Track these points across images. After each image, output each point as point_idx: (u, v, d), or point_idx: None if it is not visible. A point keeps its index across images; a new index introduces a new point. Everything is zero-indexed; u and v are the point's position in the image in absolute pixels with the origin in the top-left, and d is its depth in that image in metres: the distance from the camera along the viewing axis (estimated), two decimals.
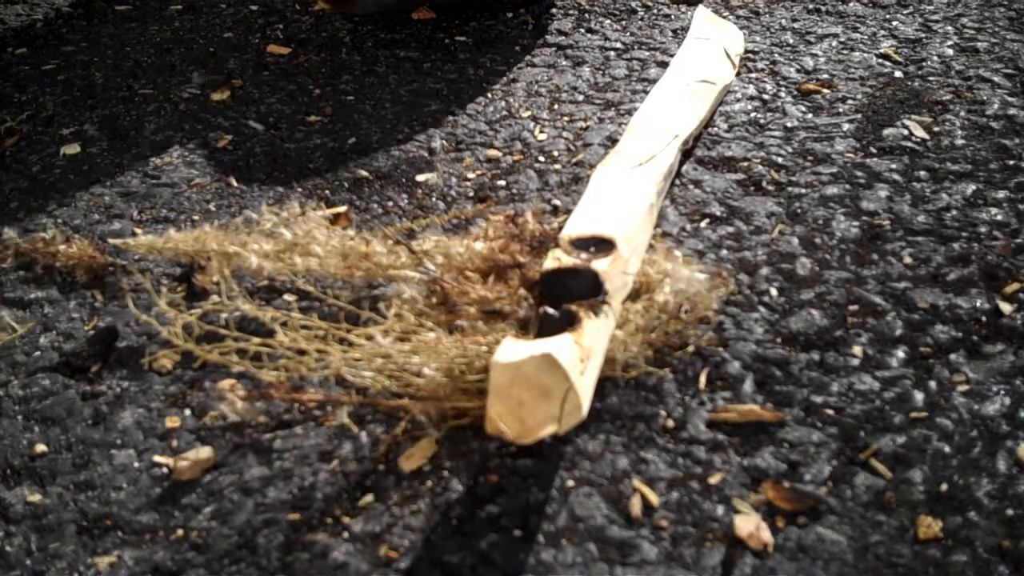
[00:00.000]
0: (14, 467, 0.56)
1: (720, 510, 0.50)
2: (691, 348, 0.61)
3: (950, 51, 0.97)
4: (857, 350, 0.60)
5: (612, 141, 0.85)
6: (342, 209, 0.78)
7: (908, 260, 0.68)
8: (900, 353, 0.60)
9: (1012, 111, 0.85)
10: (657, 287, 0.61)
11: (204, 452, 0.56)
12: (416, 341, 0.55)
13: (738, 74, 0.95)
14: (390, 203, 0.79)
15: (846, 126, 0.85)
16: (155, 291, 0.68)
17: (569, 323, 0.52)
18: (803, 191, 0.76)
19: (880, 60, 0.97)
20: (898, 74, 0.94)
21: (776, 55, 0.99)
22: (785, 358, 0.60)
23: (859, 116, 0.86)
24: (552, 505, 0.51)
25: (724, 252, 0.70)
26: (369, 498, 0.52)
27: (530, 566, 0.48)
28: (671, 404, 0.57)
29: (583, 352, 0.50)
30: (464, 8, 1.14)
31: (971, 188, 0.75)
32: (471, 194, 0.79)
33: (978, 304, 0.63)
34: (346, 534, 0.50)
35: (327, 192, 0.81)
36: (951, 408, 0.56)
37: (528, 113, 0.91)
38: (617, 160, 0.72)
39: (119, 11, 1.25)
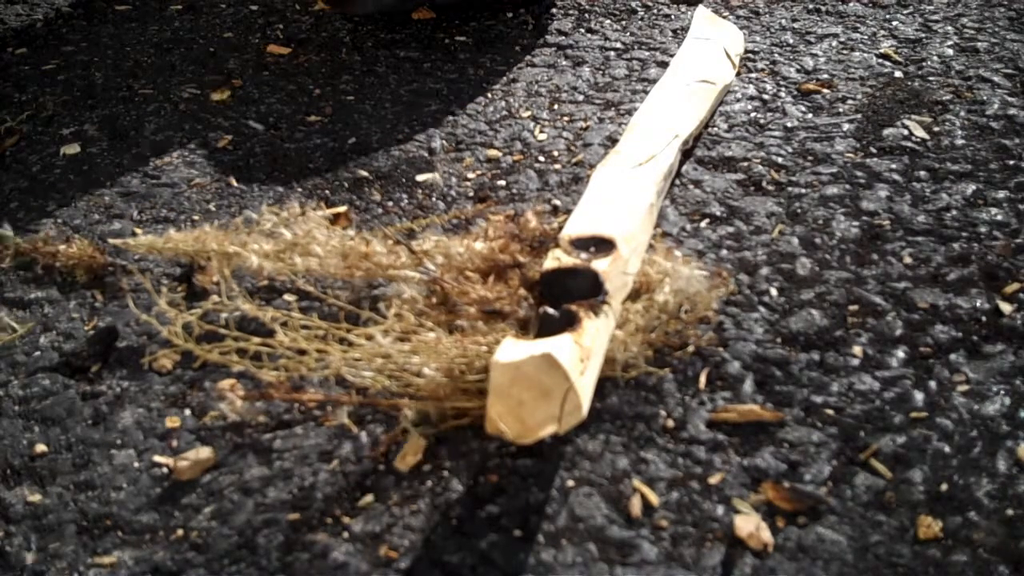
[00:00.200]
0: (14, 467, 0.56)
1: (720, 510, 0.50)
2: (691, 348, 0.61)
3: (950, 51, 0.97)
4: (857, 350, 0.60)
5: (612, 141, 0.85)
6: (342, 209, 0.78)
7: (908, 260, 0.68)
8: (900, 353, 0.60)
9: (1012, 111, 0.85)
10: (657, 287, 0.61)
11: (204, 452, 0.56)
12: (416, 341, 0.55)
13: (738, 74, 0.95)
14: (390, 203, 0.79)
15: (846, 126, 0.85)
16: (155, 291, 0.68)
17: (569, 323, 0.52)
18: (803, 191, 0.76)
19: (880, 60, 0.97)
20: (898, 74, 0.94)
21: (776, 55, 0.99)
22: (785, 358, 0.60)
23: (859, 116, 0.86)
24: (552, 505, 0.51)
25: (724, 252, 0.70)
26: (369, 498, 0.52)
27: (530, 566, 0.48)
28: (671, 404, 0.57)
29: (583, 352, 0.50)
30: (464, 8, 1.14)
31: (971, 188, 0.75)
32: (471, 194, 0.79)
33: (978, 304, 0.63)
34: (346, 534, 0.50)
35: (327, 192, 0.81)
36: (951, 408, 0.56)
37: (528, 113, 0.91)
38: (617, 160, 0.72)
39: (119, 11, 1.25)
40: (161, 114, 0.97)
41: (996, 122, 0.84)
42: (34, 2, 1.29)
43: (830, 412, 0.56)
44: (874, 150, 0.81)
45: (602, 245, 0.59)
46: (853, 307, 0.64)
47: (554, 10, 1.14)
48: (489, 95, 0.96)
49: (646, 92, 0.92)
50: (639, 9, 1.13)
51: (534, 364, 0.47)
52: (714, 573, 0.47)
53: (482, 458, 0.54)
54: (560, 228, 0.63)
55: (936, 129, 0.83)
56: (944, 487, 0.51)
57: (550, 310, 0.53)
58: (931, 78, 0.92)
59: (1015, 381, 0.57)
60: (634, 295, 0.61)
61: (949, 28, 1.03)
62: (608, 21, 1.11)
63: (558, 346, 0.48)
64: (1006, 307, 0.63)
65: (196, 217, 0.79)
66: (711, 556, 0.48)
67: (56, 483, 0.55)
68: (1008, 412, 0.55)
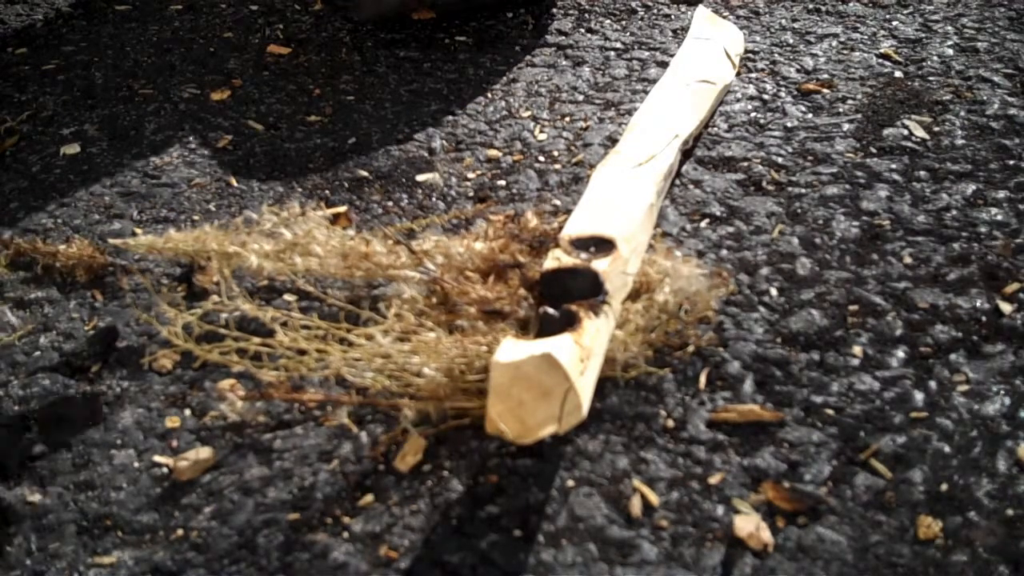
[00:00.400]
0: (14, 467, 0.56)
1: (720, 510, 0.50)
2: (691, 348, 0.61)
3: (950, 51, 0.97)
4: (857, 350, 0.60)
5: (612, 141, 0.85)
6: (342, 209, 0.78)
7: (908, 260, 0.68)
8: (900, 353, 0.60)
9: (1012, 111, 0.85)
10: (657, 287, 0.61)
11: (204, 452, 0.56)
12: (416, 341, 0.55)
13: (738, 74, 0.95)
14: (390, 203, 0.79)
15: (846, 126, 0.85)
16: (155, 291, 0.68)
17: (569, 323, 0.52)
18: (803, 191, 0.76)
19: (880, 60, 0.97)
20: (898, 74, 0.94)
21: (776, 55, 0.99)
22: (785, 358, 0.60)
23: (859, 116, 0.86)
24: (552, 505, 0.51)
25: (724, 252, 0.70)
26: (369, 498, 0.52)
27: (530, 566, 0.48)
28: (671, 404, 0.57)
29: (583, 352, 0.50)
30: (464, 11, 1.14)
31: (971, 188, 0.75)
32: (471, 194, 0.79)
33: (978, 304, 0.63)
34: (346, 534, 0.50)
35: (327, 192, 0.81)
36: (951, 408, 0.56)
37: (528, 113, 0.91)
38: (617, 160, 0.72)
39: (119, 11, 1.25)
40: (161, 114, 0.97)
41: (996, 122, 0.84)
42: (34, 2, 1.29)
43: (830, 412, 0.56)
44: (874, 150, 0.81)
45: (602, 245, 0.59)
46: (853, 307, 0.64)
47: (554, 10, 1.14)
48: (489, 95, 0.96)
49: (646, 92, 0.92)
50: (639, 9, 1.13)
51: (534, 364, 0.47)
52: (714, 573, 0.47)
53: (482, 458, 0.54)
54: (560, 228, 0.63)
55: (936, 129, 0.83)
56: (944, 487, 0.51)
57: (550, 310, 0.53)
58: (931, 78, 0.92)
59: (1015, 381, 0.57)
60: (634, 295, 0.61)
61: (949, 28, 1.03)
62: (608, 21, 1.11)
63: (558, 346, 0.48)
64: (1006, 307, 0.63)
65: (196, 217, 0.79)
66: (711, 556, 0.48)
67: (56, 483, 0.55)
68: (1008, 412, 0.55)
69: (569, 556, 0.48)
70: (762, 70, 0.96)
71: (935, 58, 0.96)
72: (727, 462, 0.53)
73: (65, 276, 0.72)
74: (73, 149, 0.91)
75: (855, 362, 0.59)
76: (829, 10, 1.10)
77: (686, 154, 0.81)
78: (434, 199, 0.79)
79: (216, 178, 0.85)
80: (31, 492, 0.54)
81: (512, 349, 0.48)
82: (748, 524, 0.49)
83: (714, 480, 0.52)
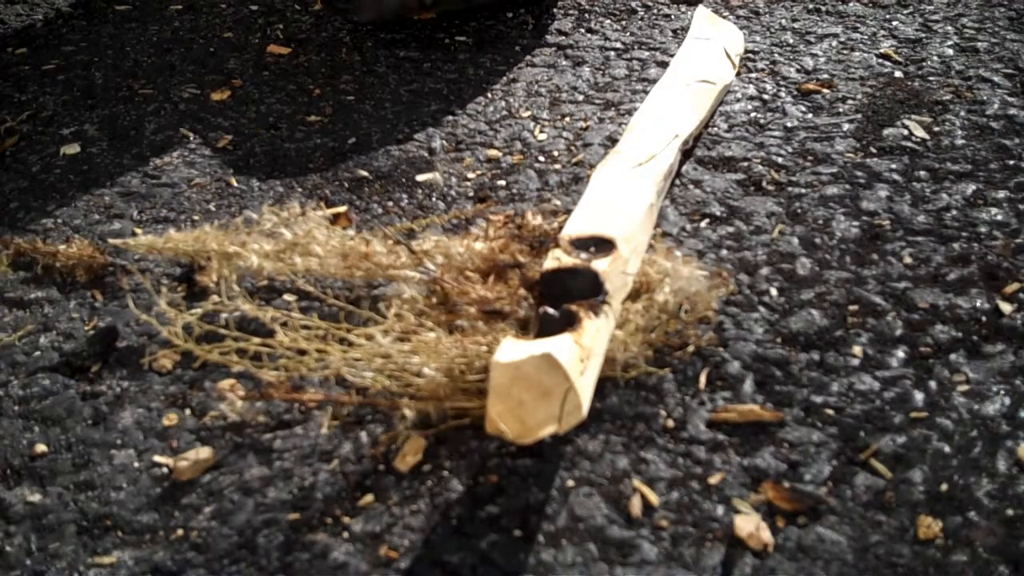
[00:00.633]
0: (14, 467, 0.56)
1: (720, 510, 0.50)
2: (691, 348, 0.61)
3: (950, 51, 0.97)
4: (857, 350, 0.60)
5: (612, 141, 0.85)
6: (342, 209, 0.78)
7: (908, 260, 0.68)
8: (900, 353, 0.60)
9: (1012, 111, 0.85)
10: (657, 287, 0.61)
11: (204, 452, 0.56)
12: (416, 341, 0.55)
13: (738, 74, 0.95)
14: (390, 203, 0.79)
15: (846, 126, 0.85)
16: (155, 291, 0.68)
17: (569, 323, 0.52)
18: (803, 191, 0.76)
19: (880, 60, 0.97)
20: (898, 74, 0.94)
21: (776, 55, 0.99)
22: (785, 358, 0.60)
23: (859, 116, 0.86)
24: (552, 505, 0.51)
25: (724, 252, 0.70)
26: (369, 498, 0.52)
27: (530, 566, 0.48)
28: (671, 404, 0.57)
29: (583, 352, 0.50)
30: (464, 11, 1.14)
31: (971, 188, 0.75)
32: (471, 194, 0.79)
33: (978, 304, 0.63)
34: (346, 534, 0.50)
35: (327, 192, 0.81)
36: (951, 408, 0.56)
37: (528, 113, 0.91)
38: (617, 160, 0.72)
39: (119, 11, 1.25)
40: (161, 114, 0.97)
41: (996, 122, 0.84)
42: (34, 2, 1.29)
43: (830, 412, 0.56)
44: (874, 150, 0.81)
45: (602, 245, 0.59)
46: (853, 307, 0.64)
47: (554, 10, 1.14)
48: (489, 95, 0.96)
49: (646, 92, 0.92)
50: (639, 9, 1.13)
51: (534, 364, 0.47)
52: (714, 573, 0.47)
53: (482, 458, 0.54)
54: (560, 228, 0.63)
55: (936, 129, 0.83)
56: (944, 487, 0.51)
57: (550, 310, 0.53)
58: (931, 78, 0.92)
59: (1015, 381, 0.57)
60: (634, 295, 0.61)
61: (949, 28, 1.03)
62: (608, 21, 1.11)
63: (558, 346, 0.48)
64: (1006, 307, 0.63)
65: (196, 217, 0.79)
66: (711, 556, 0.48)
67: (56, 483, 0.55)
68: (1008, 412, 0.55)
69: (569, 556, 0.48)
70: (762, 70, 0.96)
71: (935, 58, 0.96)
72: (727, 462, 0.53)
73: (65, 276, 0.72)
74: (73, 149, 0.91)
75: (855, 362, 0.59)
76: (829, 10, 1.10)
77: (686, 154, 0.81)
78: (434, 199, 0.79)
79: (216, 178, 0.85)
80: (31, 492, 0.54)
81: (512, 349, 0.48)
82: (748, 524, 0.49)
83: (714, 480, 0.52)
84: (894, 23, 1.05)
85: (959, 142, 0.81)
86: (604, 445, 0.55)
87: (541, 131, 0.88)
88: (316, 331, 0.58)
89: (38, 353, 0.65)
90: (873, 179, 0.77)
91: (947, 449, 0.53)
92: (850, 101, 0.89)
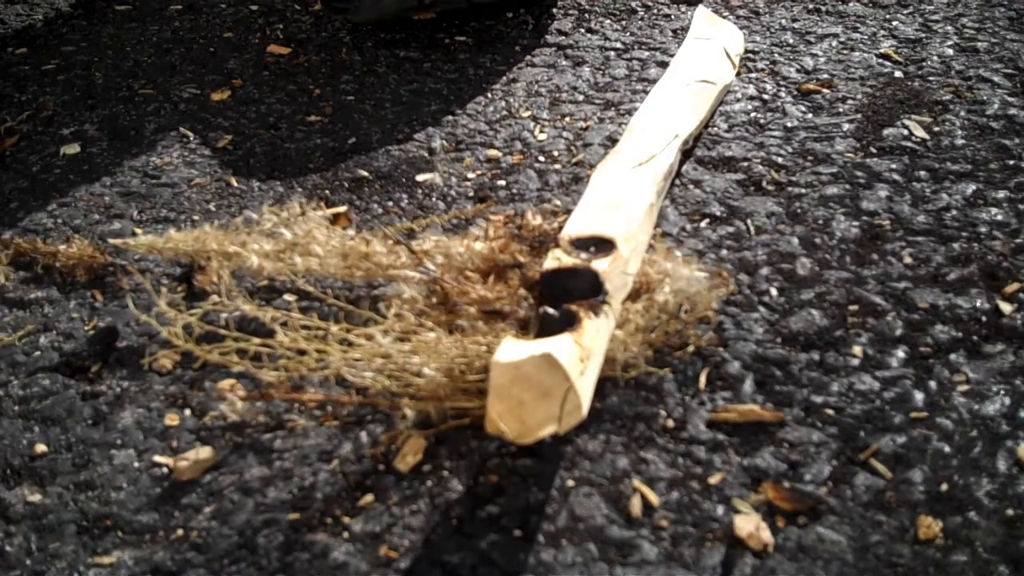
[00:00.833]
0: (14, 467, 0.56)
1: (720, 510, 0.50)
2: (691, 348, 0.61)
3: (950, 51, 0.97)
4: (857, 350, 0.60)
5: (612, 141, 0.85)
6: (342, 209, 0.78)
7: (908, 260, 0.68)
8: (900, 353, 0.60)
9: (1012, 111, 0.85)
10: (657, 287, 0.61)
11: (204, 452, 0.56)
12: (416, 341, 0.55)
13: (738, 74, 0.95)
14: (390, 203, 0.79)
15: (846, 126, 0.85)
16: (155, 291, 0.68)
17: (569, 323, 0.52)
18: (803, 191, 0.76)
19: (880, 60, 0.97)
20: (898, 74, 0.94)
21: (776, 55, 0.99)
22: (785, 358, 0.60)
23: (859, 116, 0.86)
24: (552, 505, 0.51)
25: (724, 252, 0.70)
26: (369, 498, 0.52)
27: (530, 566, 0.48)
28: (671, 404, 0.57)
29: (583, 352, 0.50)
30: (464, 11, 1.14)
31: (971, 188, 0.75)
32: (471, 194, 0.79)
33: (978, 304, 0.63)
34: (346, 534, 0.50)
35: (327, 192, 0.81)
36: (951, 408, 0.56)
37: (528, 113, 0.91)
38: (617, 160, 0.72)
39: (119, 11, 1.25)
40: (161, 114, 0.97)
41: (996, 122, 0.84)
42: (34, 2, 1.29)
43: (830, 412, 0.56)
44: (874, 150, 0.81)
45: (602, 245, 0.59)
46: (853, 307, 0.64)
47: (554, 10, 1.14)
48: (489, 95, 0.96)
49: (646, 92, 0.92)
50: (639, 9, 1.13)
51: (534, 364, 0.47)
52: (714, 573, 0.47)
53: (482, 458, 0.54)
54: (560, 228, 0.63)
55: (936, 129, 0.83)
56: (944, 487, 0.51)
57: (550, 310, 0.53)
58: (931, 78, 0.92)
59: (1015, 381, 0.57)
60: (634, 295, 0.61)
61: (949, 28, 1.03)
62: (608, 21, 1.11)
63: (558, 346, 0.48)
64: (1006, 307, 0.63)
65: (196, 217, 0.79)
66: (711, 556, 0.48)
67: (56, 483, 0.55)
68: (1008, 412, 0.55)
69: (569, 556, 0.48)
70: (762, 70, 0.96)
71: (935, 58, 0.96)
72: (727, 462, 0.53)
73: (65, 276, 0.72)
74: (73, 149, 0.91)
75: (855, 362, 0.59)
76: (829, 10, 1.10)
77: (686, 154, 0.81)
78: (434, 199, 0.79)
79: (216, 178, 0.85)
80: (31, 492, 0.55)
81: (512, 349, 0.48)
82: (748, 524, 0.49)
83: (714, 480, 0.52)
84: (894, 23, 1.05)
85: (959, 142, 0.81)
86: (604, 445, 0.55)
87: (541, 131, 0.88)
88: (316, 331, 0.58)
89: (38, 353, 0.65)
90: (873, 179, 0.77)
91: (947, 449, 0.53)
92: (850, 101, 0.89)
